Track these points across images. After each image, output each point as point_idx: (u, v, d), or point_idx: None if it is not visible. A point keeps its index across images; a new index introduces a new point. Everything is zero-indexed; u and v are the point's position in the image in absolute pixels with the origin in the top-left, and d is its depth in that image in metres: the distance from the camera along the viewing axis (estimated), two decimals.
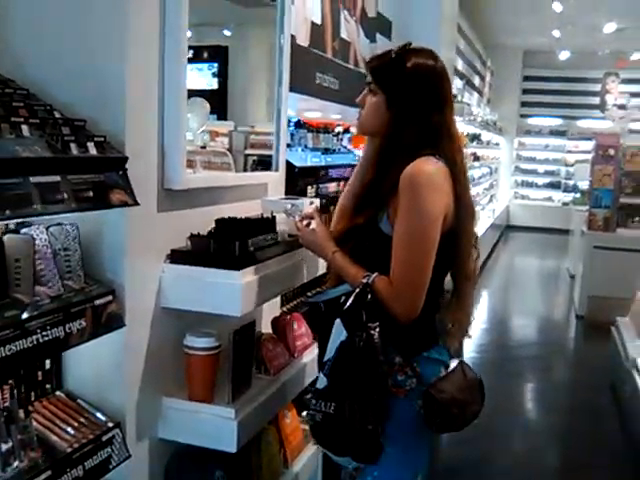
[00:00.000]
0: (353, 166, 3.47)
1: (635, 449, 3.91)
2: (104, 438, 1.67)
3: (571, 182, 14.05)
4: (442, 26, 6.20)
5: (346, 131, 3.89)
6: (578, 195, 10.05)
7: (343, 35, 4.65)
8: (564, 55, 13.05)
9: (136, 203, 1.64)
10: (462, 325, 1.92)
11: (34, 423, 1.58)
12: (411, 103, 1.83)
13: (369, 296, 1.69)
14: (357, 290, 1.71)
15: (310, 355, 2.44)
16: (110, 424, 1.71)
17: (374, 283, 1.72)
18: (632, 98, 13.52)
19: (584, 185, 10.45)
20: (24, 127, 1.46)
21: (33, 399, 1.71)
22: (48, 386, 1.76)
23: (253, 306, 1.91)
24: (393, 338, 1.72)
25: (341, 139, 3.83)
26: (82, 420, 1.70)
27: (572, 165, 13.80)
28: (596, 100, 13.83)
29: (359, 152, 3.85)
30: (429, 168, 1.75)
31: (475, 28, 11.63)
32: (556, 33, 11.28)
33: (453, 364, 1.86)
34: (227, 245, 1.86)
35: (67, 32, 1.70)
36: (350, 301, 1.70)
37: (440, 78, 1.87)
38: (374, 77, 1.90)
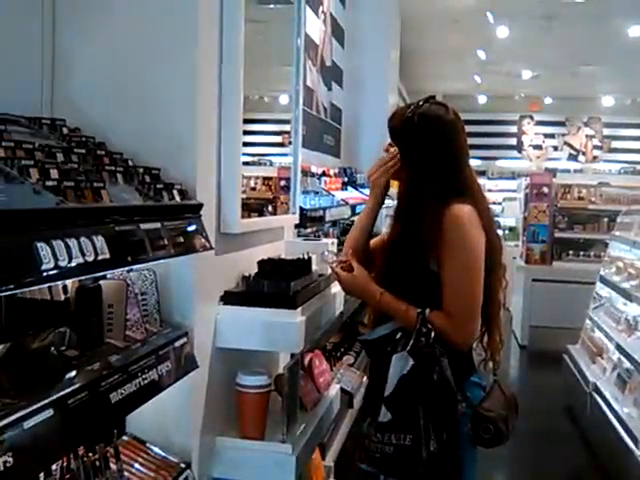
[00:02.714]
0: (334, 207, 3.60)
1: (601, 465, 4.14)
2: (180, 479, 1.69)
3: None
4: (389, 72, 6.52)
5: (323, 174, 4.03)
6: (507, 232, 10.54)
7: (308, 83, 4.85)
8: (482, 99, 13.82)
9: (212, 247, 1.71)
10: (495, 349, 2.06)
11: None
12: (424, 156, 1.94)
13: (432, 332, 1.80)
14: (417, 326, 1.82)
15: (332, 390, 2.52)
16: (182, 465, 1.74)
17: (430, 317, 1.84)
18: (546, 139, 14.40)
19: (510, 222, 11.02)
20: (119, 176, 1.51)
21: (104, 445, 1.71)
22: (115, 431, 1.77)
23: (305, 343, 1.99)
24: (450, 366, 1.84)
25: (319, 182, 3.96)
26: (157, 462, 1.72)
27: (497, 203, 14.48)
28: (513, 141, 14.62)
29: (337, 194, 4.00)
30: (466, 209, 1.91)
31: (400, 74, 12.15)
32: (477, 79, 11.98)
33: (489, 385, 2.00)
34: (281, 286, 1.94)
35: (135, 81, 1.77)
36: (414, 337, 1.81)
37: (450, 128, 1.96)
38: (389, 131, 2.03)
